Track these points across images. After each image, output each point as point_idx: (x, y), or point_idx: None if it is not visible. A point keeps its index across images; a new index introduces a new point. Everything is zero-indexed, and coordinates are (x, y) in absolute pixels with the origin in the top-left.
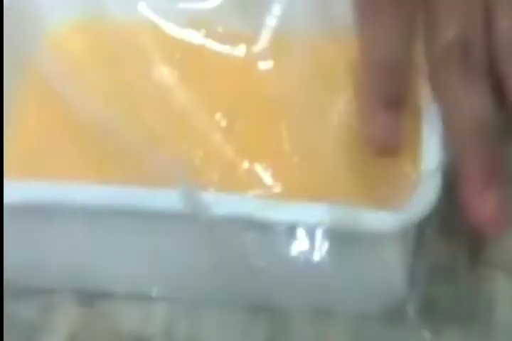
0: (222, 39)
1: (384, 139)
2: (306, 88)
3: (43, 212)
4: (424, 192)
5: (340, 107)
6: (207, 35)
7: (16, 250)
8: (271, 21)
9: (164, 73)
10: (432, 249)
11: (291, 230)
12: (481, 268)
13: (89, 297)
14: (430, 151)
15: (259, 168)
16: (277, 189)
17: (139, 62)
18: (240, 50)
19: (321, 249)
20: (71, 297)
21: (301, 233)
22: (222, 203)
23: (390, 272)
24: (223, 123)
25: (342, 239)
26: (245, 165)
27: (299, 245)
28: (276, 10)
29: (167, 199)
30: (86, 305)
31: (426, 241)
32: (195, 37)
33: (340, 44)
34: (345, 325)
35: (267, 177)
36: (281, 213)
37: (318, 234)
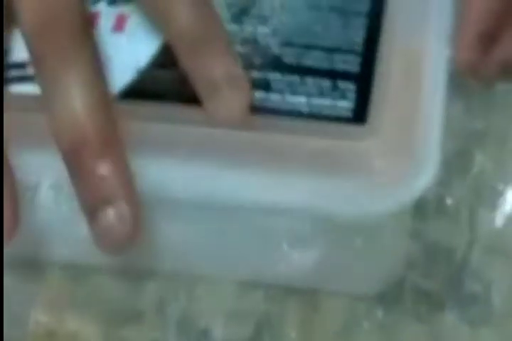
0: None
1: None
2: None
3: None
4: (422, 170)
5: None
6: None
7: None
8: None
9: None
10: (430, 228)
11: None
12: (479, 250)
13: (80, 271)
14: (429, 128)
15: None
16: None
17: None
18: None
19: (315, 228)
20: (61, 271)
21: (289, 212)
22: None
23: (387, 252)
24: None
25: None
26: None
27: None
28: None
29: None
30: (77, 280)
31: (424, 221)
32: None
33: None
34: (339, 306)
35: None
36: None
37: (310, 213)
